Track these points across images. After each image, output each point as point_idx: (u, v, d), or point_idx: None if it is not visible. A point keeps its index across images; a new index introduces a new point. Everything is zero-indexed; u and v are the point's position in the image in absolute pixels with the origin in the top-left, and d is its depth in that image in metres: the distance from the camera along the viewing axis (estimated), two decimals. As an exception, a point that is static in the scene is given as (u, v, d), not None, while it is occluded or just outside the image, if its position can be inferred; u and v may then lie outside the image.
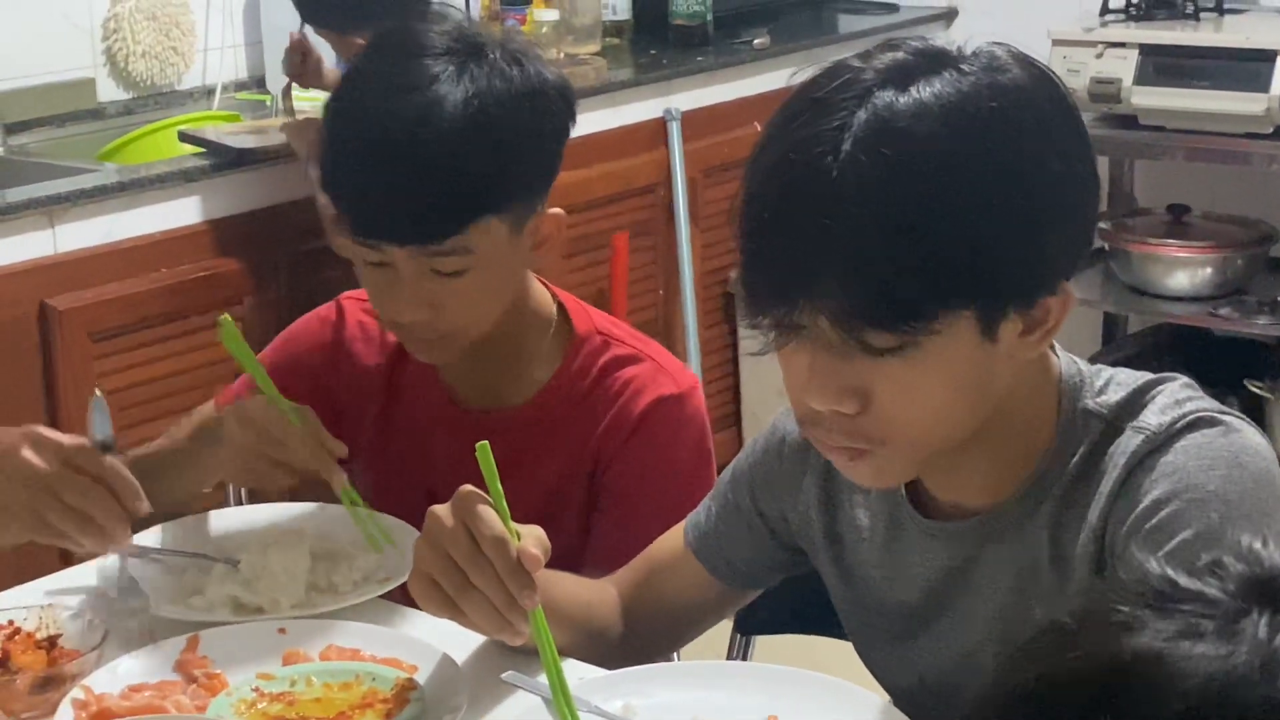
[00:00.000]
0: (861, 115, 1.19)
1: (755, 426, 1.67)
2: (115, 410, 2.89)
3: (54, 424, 2.85)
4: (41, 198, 2.85)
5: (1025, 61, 1.26)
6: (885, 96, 1.20)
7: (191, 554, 1.70)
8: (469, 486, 1.37)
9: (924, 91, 1.20)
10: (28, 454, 1.45)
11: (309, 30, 3.16)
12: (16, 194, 2.89)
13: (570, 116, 1.72)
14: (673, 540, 1.59)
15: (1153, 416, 1.29)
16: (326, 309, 1.89)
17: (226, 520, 1.79)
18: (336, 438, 1.70)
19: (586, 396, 1.74)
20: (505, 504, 1.36)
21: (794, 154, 1.20)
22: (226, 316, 1.75)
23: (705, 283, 3.87)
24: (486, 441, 1.35)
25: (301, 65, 3.18)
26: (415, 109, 1.60)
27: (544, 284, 1.80)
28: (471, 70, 1.62)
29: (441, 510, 1.36)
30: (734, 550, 1.55)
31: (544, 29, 4.03)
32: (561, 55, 4.02)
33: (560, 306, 1.79)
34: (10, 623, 1.56)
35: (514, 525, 1.36)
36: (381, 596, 1.63)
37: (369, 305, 1.80)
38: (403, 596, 1.59)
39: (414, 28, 1.71)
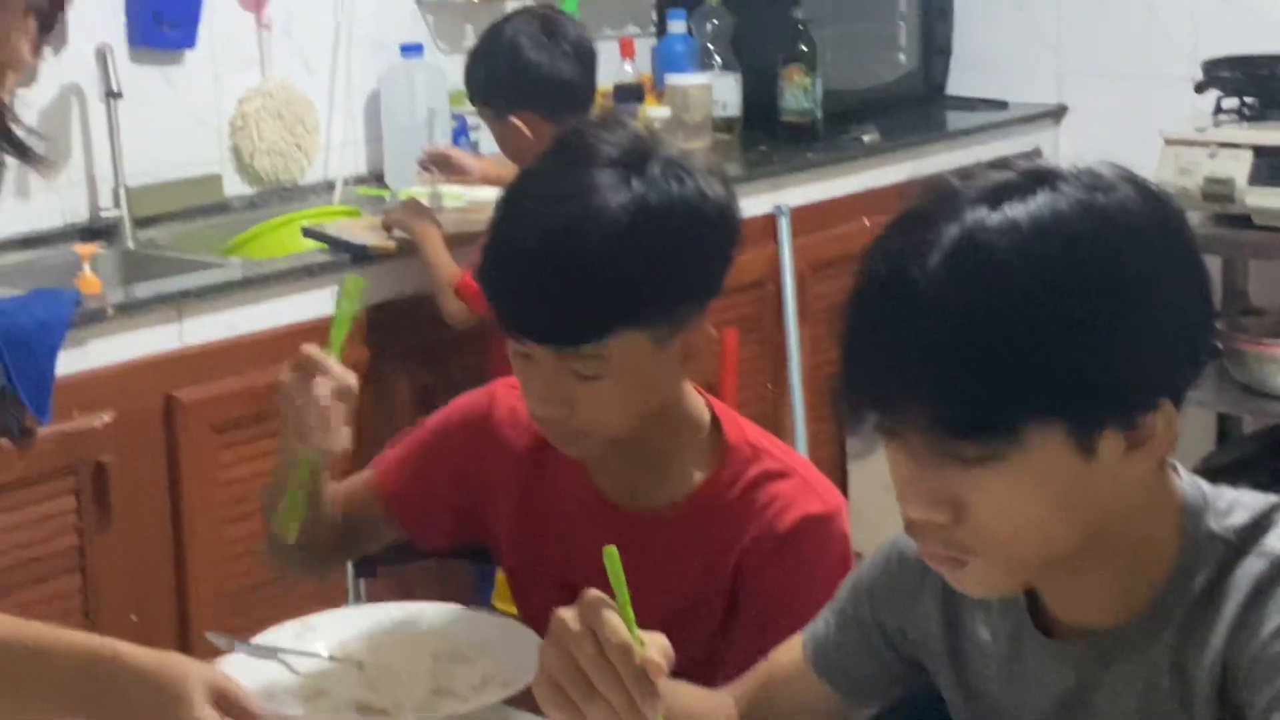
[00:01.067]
0: (952, 230, 1.23)
1: (862, 522, 1.68)
2: (237, 500, 3.00)
3: (175, 513, 2.93)
4: (170, 293, 2.94)
5: (1132, 181, 1.28)
6: (977, 213, 1.23)
7: (314, 655, 1.73)
8: (595, 591, 1.38)
9: (1016, 209, 1.23)
10: (200, 700, 1.42)
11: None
12: (145, 289, 2.99)
13: (731, 236, 1.72)
14: (791, 652, 1.60)
15: (1277, 541, 1.30)
16: (484, 390, 1.95)
17: (346, 619, 1.83)
18: (480, 515, 1.83)
19: (733, 507, 1.76)
20: (631, 610, 1.37)
21: (884, 266, 1.25)
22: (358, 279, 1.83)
23: (813, 378, 3.89)
24: (614, 546, 1.36)
25: (443, 164, 3.31)
26: (568, 217, 1.64)
27: (700, 391, 1.82)
28: (631, 183, 1.65)
29: (568, 614, 1.37)
30: (853, 664, 1.56)
31: (656, 125, 4.09)
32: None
33: (713, 415, 1.81)
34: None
35: (638, 632, 1.38)
36: (506, 702, 1.66)
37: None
38: (524, 701, 1.62)
39: (590, 134, 1.73)
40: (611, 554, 1.36)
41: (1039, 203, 1.24)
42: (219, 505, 2.99)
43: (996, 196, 1.25)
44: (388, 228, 3.21)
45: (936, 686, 1.52)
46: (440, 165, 3.41)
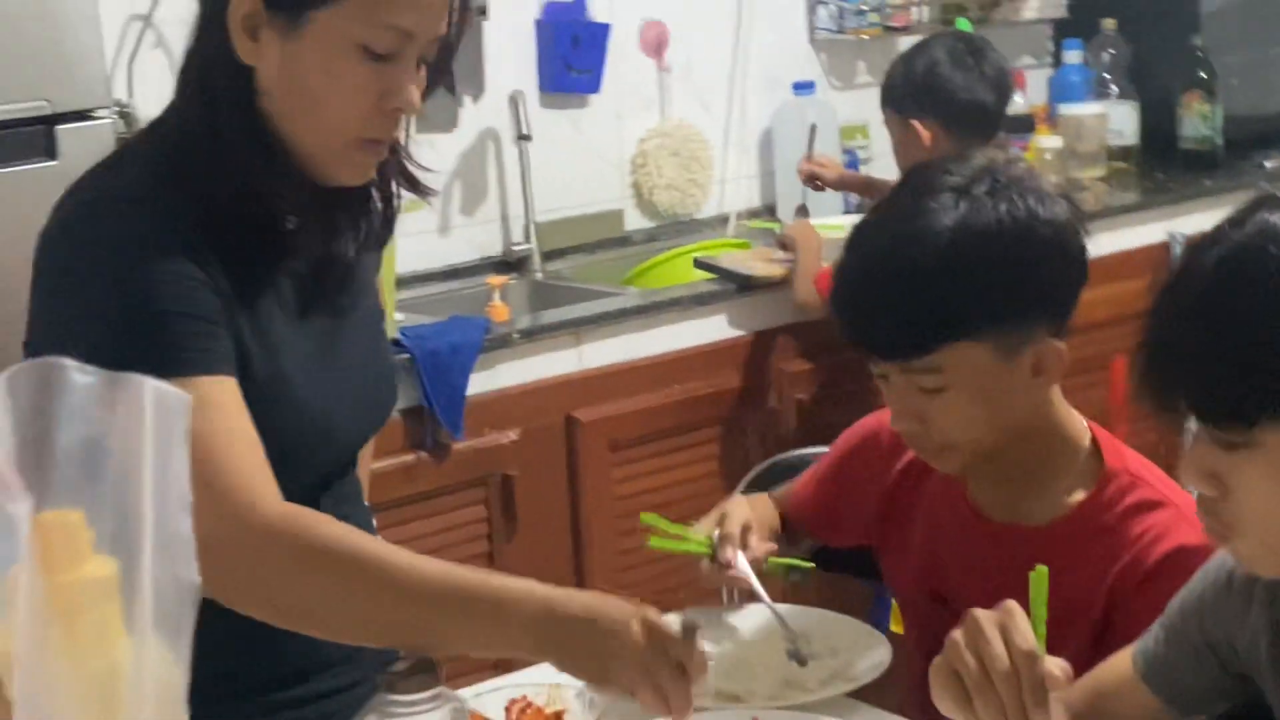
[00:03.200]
0: (1235, 234, 1.31)
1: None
2: (631, 513, 3.19)
3: (575, 524, 3.15)
4: (569, 320, 3.16)
5: None
6: (1263, 219, 1.32)
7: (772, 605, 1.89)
8: (1013, 602, 1.45)
9: None
10: (637, 632, 1.55)
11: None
12: (548, 316, 3.22)
13: (1069, 255, 1.76)
14: (1120, 666, 1.64)
15: None
16: (879, 411, 2.02)
17: (719, 615, 1.96)
18: (876, 524, 1.93)
19: (1109, 532, 1.78)
20: (1044, 629, 1.44)
21: (1180, 261, 1.34)
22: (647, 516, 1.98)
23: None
24: (1045, 567, 1.45)
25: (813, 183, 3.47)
26: (896, 237, 1.74)
27: (1081, 417, 1.86)
28: (965, 202, 1.72)
29: (984, 615, 1.45)
30: (1182, 677, 1.59)
31: (1047, 155, 4.11)
32: (1061, 181, 4.09)
33: (1093, 439, 1.84)
34: (524, 697, 1.78)
35: (1044, 650, 1.44)
36: (849, 695, 1.76)
37: None
38: (867, 696, 1.73)
39: (939, 165, 1.81)
40: (1041, 574, 1.44)
41: None
42: (614, 518, 3.19)
43: None
44: (782, 245, 3.36)
45: (1265, 700, 1.54)
46: (816, 180, 3.55)
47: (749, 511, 1.97)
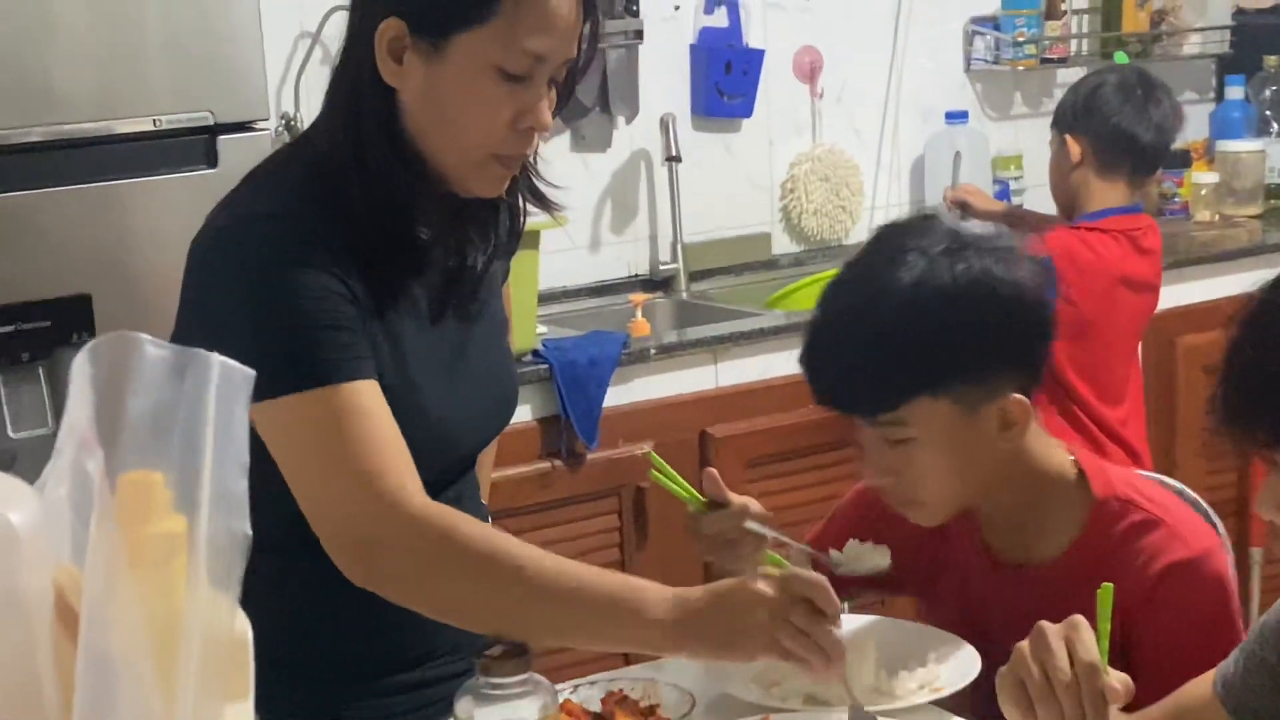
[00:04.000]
0: None
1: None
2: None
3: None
4: (706, 338, 3.24)
5: None
6: None
7: (797, 545, 1.93)
8: (1080, 616, 1.51)
9: None
10: (760, 584, 1.65)
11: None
12: (687, 334, 3.30)
13: (1028, 316, 1.80)
14: (1201, 688, 1.67)
15: None
16: None
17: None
18: (899, 566, 1.94)
19: (1108, 560, 1.82)
20: (1108, 644, 1.49)
21: (1266, 291, 1.36)
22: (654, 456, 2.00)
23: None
24: (1110, 585, 1.50)
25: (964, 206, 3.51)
26: (859, 295, 1.79)
27: (1067, 446, 1.90)
28: (926, 264, 1.77)
29: (1050, 627, 1.51)
30: (1261, 702, 1.61)
31: (1203, 191, 4.10)
32: (1216, 217, 4.07)
33: (1080, 470, 1.88)
34: (619, 690, 1.85)
35: (1106, 664, 1.49)
36: (935, 704, 1.80)
37: None
38: (957, 704, 1.77)
39: (901, 227, 1.87)
40: (1106, 591, 1.50)
41: None
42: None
43: None
44: None
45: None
46: (962, 208, 3.59)
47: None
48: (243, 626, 0.91)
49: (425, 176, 1.70)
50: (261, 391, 1.62)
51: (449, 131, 1.68)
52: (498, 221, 1.84)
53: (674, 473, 1.94)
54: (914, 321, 1.75)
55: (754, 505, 1.91)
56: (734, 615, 1.63)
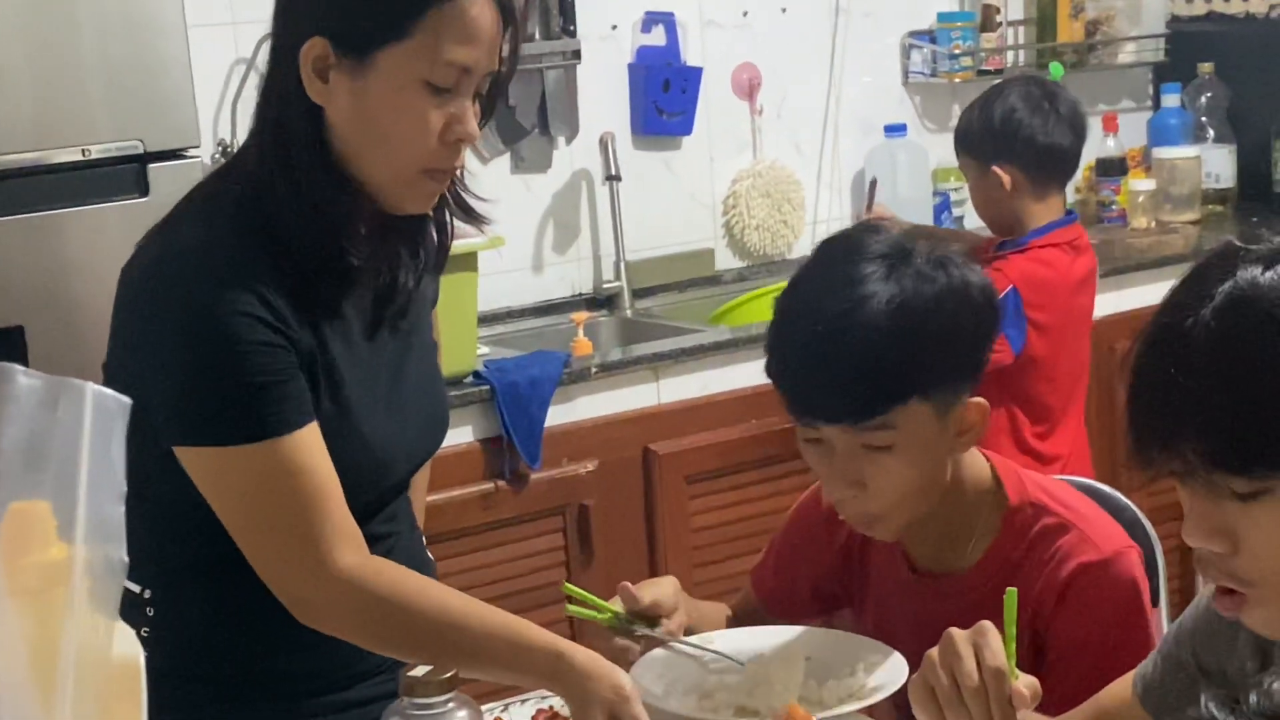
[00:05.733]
0: (1225, 286, 1.32)
1: None
2: (706, 545, 3.27)
3: (651, 554, 3.23)
4: (646, 355, 3.25)
5: None
6: (1250, 272, 1.32)
7: (709, 650, 1.94)
8: (988, 622, 1.53)
9: None
10: (607, 697, 1.70)
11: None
12: (630, 351, 3.31)
13: (994, 316, 1.86)
14: (1121, 689, 1.69)
15: None
16: (817, 484, 2.06)
17: (743, 634, 2.03)
18: (820, 593, 1.99)
19: (1020, 565, 1.86)
20: (1015, 648, 1.52)
21: (1165, 316, 1.34)
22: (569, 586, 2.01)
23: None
24: (1015, 589, 1.52)
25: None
26: (846, 303, 1.79)
27: (983, 453, 1.93)
28: (898, 271, 1.80)
29: (958, 634, 1.53)
30: (1179, 702, 1.64)
31: (1140, 198, 4.13)
32: (1153, 224, 4.11)
33: (996, 477, 1.91)
34: (550, 708, 1.87)
35: (1015, 668, 1.51)
36: (864, 711, 1.82)
37: None
38: (883, 712, 1.79)
39: (855, 237, 1.89)
40: (1011, 595, 1.52)
41: None
42: (690, 549, 3.26)
43: (1273, 259, 1.34)
44: None
45: (1254, 723, 1.58)
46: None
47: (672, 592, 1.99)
48: (133, 651, 0.92)
49: (355, 196, 1.71)
50: (192, 437, 1.67)
51: (379, 148, 1.69)
52: (427, 238, 1.85)
53: (589, 595, 1.95)
54: (907, 326, 1.77)
55: (668, 608, 1.95)
56: (586, 689, 1.71)
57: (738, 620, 2.12)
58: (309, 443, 1.68)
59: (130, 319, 1.71)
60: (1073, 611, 1.82)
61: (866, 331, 1.77)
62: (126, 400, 0.86)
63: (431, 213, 1.81)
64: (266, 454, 1.66)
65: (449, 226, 1.87)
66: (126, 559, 0.83)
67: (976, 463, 1.92)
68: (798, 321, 1.84)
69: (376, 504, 1.84)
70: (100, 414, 0.83)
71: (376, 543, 1.80)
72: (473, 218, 1.86)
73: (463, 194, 1.84)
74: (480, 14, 1.67)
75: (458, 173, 1.80)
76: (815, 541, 2.06)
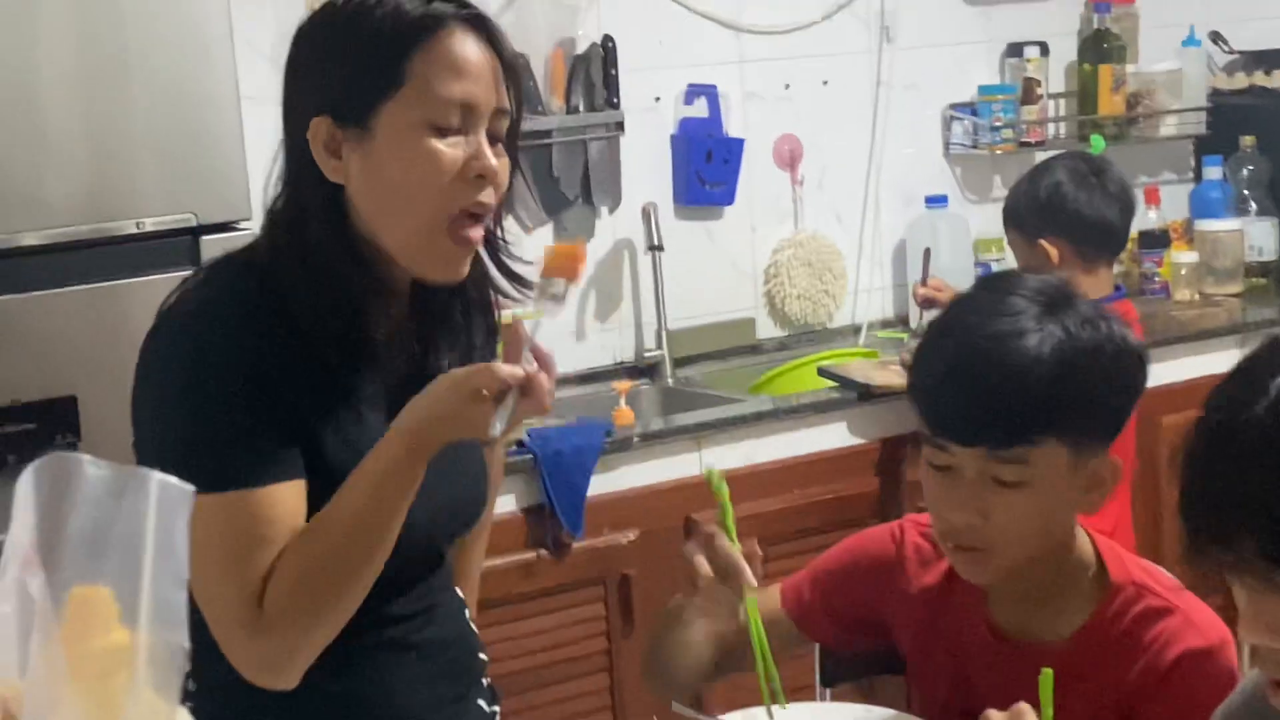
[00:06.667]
0: (1277, 380, 1.33)
1: None
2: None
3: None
4: (691, 424, 3.27)
5: None
6: None
7: None
8: (1025, 704, 1.54)
9: None
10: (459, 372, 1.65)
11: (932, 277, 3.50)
12: (671, 421, 3.33)
13: (1143, 379, 1.86)
14: None
15: None
16: (890, 529, 2.09)
17: (801, 711, 2.02)
18: (889, 641, 1.95)
19: (1119, 644, 1.83)
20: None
21: (1216, 412, 1.35)
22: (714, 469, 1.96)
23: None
24: (1051, 670, 1.53)
25: (929, 306, 3.52)
26: (1004, 326, 1.79)
27: (1086, 531, 1.91)
28: (1061, 311, 1.81)
29: (996, 715, 1.55)
30: None
31: (1183, 270, 4.14)
32: (1195, 296, 4.11)
33: (1098, 553, 1.89)
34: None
35: None
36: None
37: (926, 530, 2.00)
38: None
39: (1020, 275, 1.92)
40: (1047, 677, 1.54)
41: None
42: (730, 620, 3.26)
43: None
44: (904, 365, 3.43)
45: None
46: (932, 304, 3.61)
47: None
48: (188, 734, 0.94)
49: (373, 270, 1.72)
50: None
51: (398, 204, 1.69)
52: (470, 324, 1.84)
53: (729, 506, 1.93)
54: (1057, 360, 1.77)
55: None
56: (436, 391, 1.65)
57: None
58: (276, 500, 1.66)
59: (138, 381, 1.73)
60: (1175, 698, 1.78)
61: (1021, 357, 1.77)
62: (189, 488, 0.88)
63: (473, 290, 1.82)
64: (221, 505, 1.65)
65: (495, 304, 1.86)
66: (188, 645, 0.85)
67: (1081, 534, 1.90)
68: (951, 338, 1.84)
69: (407, 576, 1.82)
70: (164, 502, 0.86)
71: (410, 620, 1.81)
72: (517, 280, 1.86)
73: (504, 257, 1.83)
74: (463, 46, 1.69)
75: (497, 234, 1.80)
76: (878, 577, 2.04)
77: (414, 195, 1.69)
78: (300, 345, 1.69)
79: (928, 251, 3.75)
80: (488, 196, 1.71)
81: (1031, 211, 3.29)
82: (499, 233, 1.81)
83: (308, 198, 1.72)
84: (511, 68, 1.74)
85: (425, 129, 1.68)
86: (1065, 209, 3.24)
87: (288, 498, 1.67)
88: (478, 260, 1.80)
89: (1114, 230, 3.29)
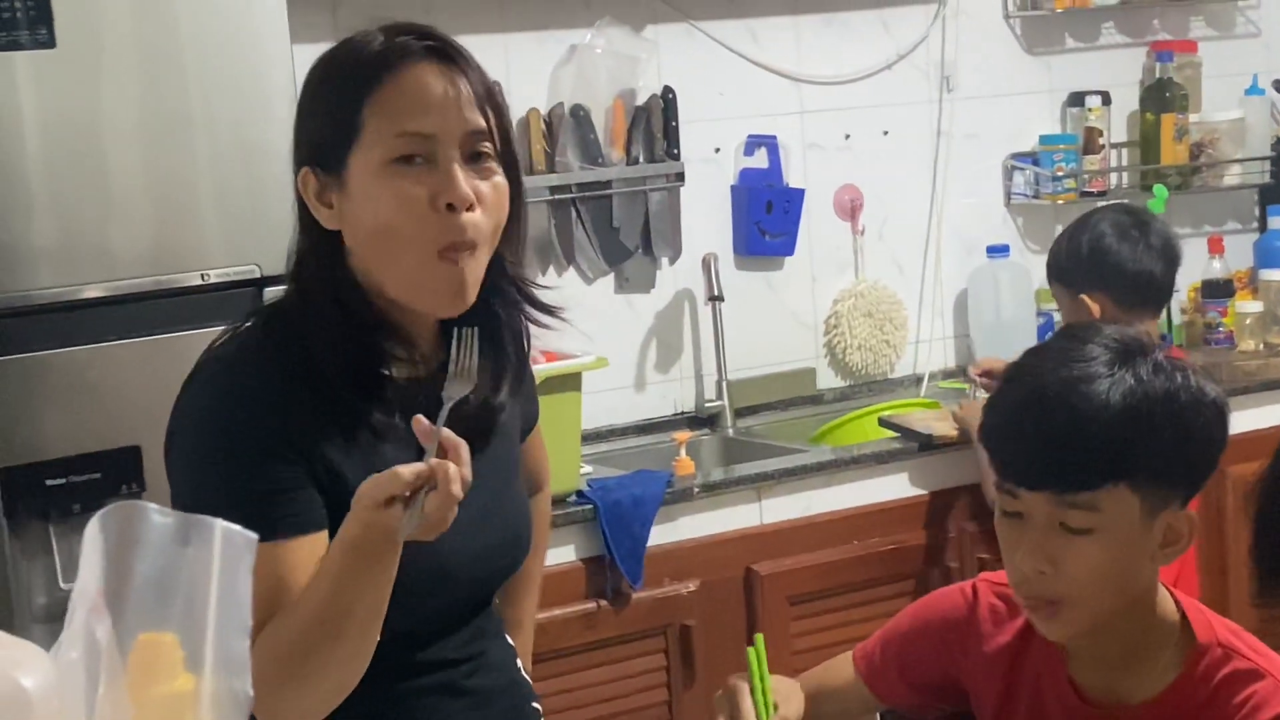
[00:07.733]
0: None
1: None
2: (808, 666, 3.24)
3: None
4: (751, 475, 3.26)
5: None
6: None
7: None
8: None
9: None
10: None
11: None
12: (732, 471, 3.33)
13: (1224, 434, 1.81)
14: None
15: None
16: (965, 585, 2.06)
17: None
18: (963, 705, 1.93)
19: (1207, 707, 1.79)
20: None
21: None
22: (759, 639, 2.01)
23: None
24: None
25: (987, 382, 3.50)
26: (1072, 374, 1.77)
27: (1169, 590, 1.88)
28: (1136, 360, 1.78)
29: None
30: None
31: (1248, 320, 4.10)
32: (1260, 346, 4.07)
33: (1182, 613, 1.85)
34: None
35: None
36: None
37: (1002, 589, 1.96)
38: None
39: (1097, 325, 1.89)
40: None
41: None
42: (791, 671, 3.20)
43: None
44: (956, 418, 3.42)
45: None
46: (990, 376, 3.58)
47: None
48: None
49: (390, 316, 1.75)
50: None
51: (381, 245, 1.71)
52: (502, 360, 1.84)
53: (766, 672, 1.96)
54: (1127, 405, 1.75)
55: None
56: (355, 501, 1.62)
57: (817, 698, 2.11)
58: (287, 552, 1.67)
59: (167, 433, 1.76)
60: None
61: (1090, 401, 1.75)
62: (253, 536, 0.88)
63: (504, 324, 1.83)
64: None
65: (525, 335, 1.88)
66: (252, 692, 0.85)
67: (1163, 593, 1.86)
68: (1023, 381, 1.83)
69: (453, 619, 1.83)
70: (228, 550, 0.86)
71: (458, 666, 1.82)
72: (546, 309, 1.87)
73: (528, 289, 1.85)
74: (419, 78, 1.70)
75: (520, 273, 1.83)
76: (950, 638, 2.01)
77: (392, 235, 1.70)
78: (325, 388, 1.72)
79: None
80: (470, 223, 1.71)
81: (1074, 265, 3.26)
82: (507, 257, 1.80)
83: (309, 245, 1.76)
84: (483, 89, 1.74)
85: (387, 168, 1.70)
86: (1107, 263, 3.21)
87: (291, 550, 1.68)
88: (505, 291, 1.82)
89: (1157, 283, 3.26)
